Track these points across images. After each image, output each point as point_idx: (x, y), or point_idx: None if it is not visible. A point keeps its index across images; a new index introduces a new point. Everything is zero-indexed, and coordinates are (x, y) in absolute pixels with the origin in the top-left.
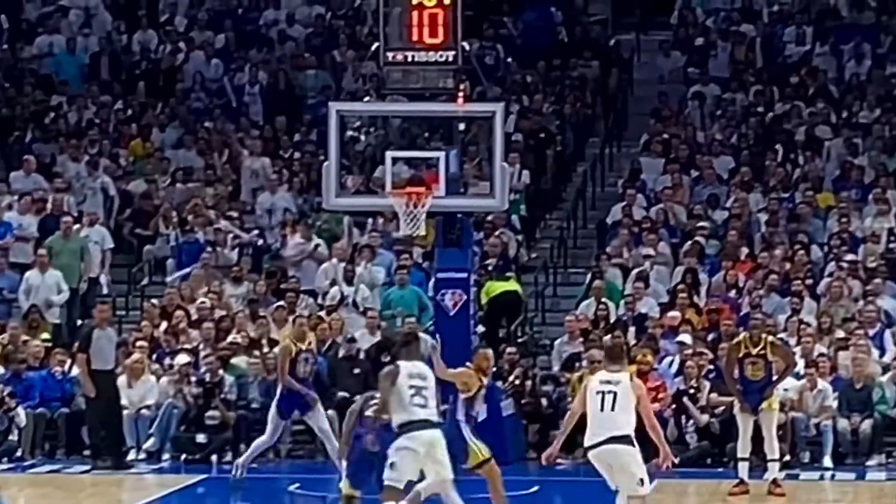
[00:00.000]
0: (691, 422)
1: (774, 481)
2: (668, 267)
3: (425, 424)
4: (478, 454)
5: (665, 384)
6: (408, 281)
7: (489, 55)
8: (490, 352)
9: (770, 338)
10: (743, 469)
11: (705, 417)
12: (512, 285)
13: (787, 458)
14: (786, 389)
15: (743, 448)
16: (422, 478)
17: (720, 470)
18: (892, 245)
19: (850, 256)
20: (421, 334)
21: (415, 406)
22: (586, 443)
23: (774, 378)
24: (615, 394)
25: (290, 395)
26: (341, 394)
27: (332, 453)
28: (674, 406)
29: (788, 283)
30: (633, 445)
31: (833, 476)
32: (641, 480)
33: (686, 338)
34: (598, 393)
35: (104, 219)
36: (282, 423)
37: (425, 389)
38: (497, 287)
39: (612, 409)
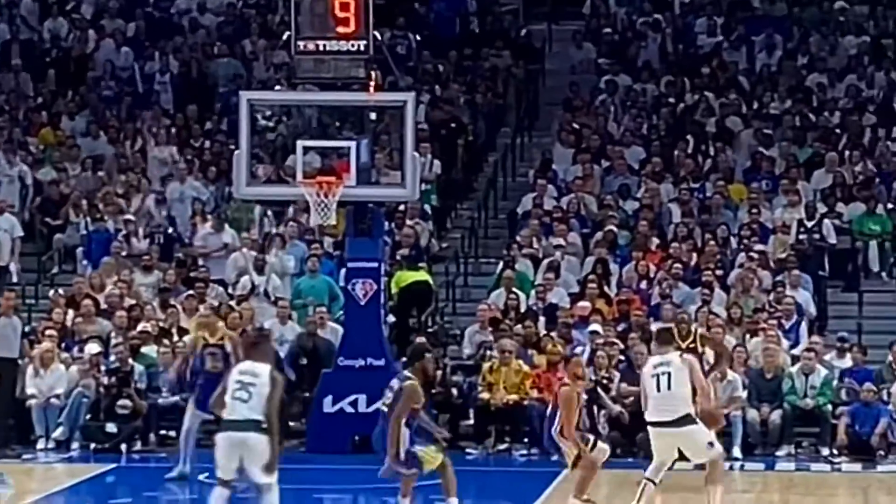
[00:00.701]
0: (603, 412)
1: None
2: (579, 257)
3: (236, 425)
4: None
5: None
6: (319, 270)
7: (401, 44)
8: (582, 359)
9: (701, 330)
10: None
11: (617, 407)
12: (423, 275)
13: None
14: None
15: None
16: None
17: (630, 460)
18: (801, 236)
19: (760, 247)
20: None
21: (235, 400)
22: (649, 419)
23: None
24: (669, 374)
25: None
26: None
27: None
28: (586, 396)
29: (699, 273)
30: (695, 422)
31: (742, 466)
32: (710, 443)
33: (597, 327)
34: (652, 376)
35: (19, 208)
36: (200, 414)
37: (252, 387)
38: (408, 277)
39: (669, 388)
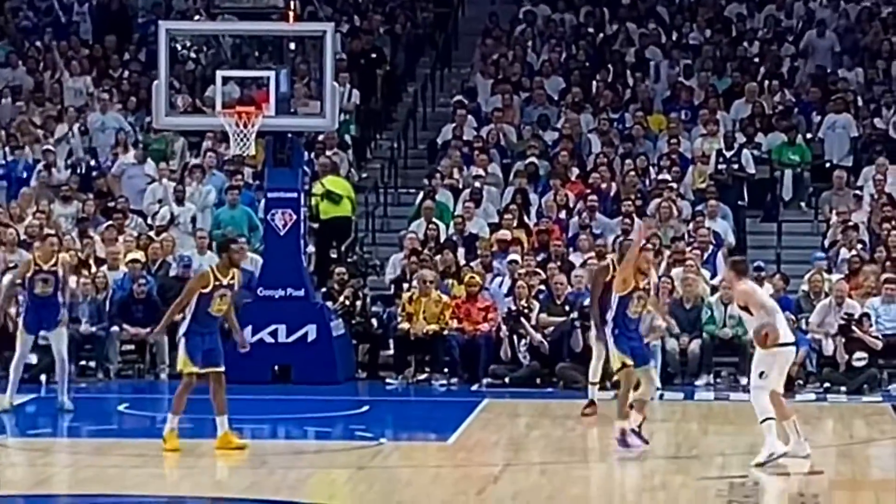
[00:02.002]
0: (524, 341)
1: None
2: (499, 187)
3: None
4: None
5: (496, 304)
6: (238, 201)
7: None
8: (650, 255)
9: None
10: (593, 391)
11: (538, 336)
12: (344, 209)
13: None
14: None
15: (594, 373)
16: None
17: (550, 390)
18: (721, 166)
19: (678, 177)
20: None
21: None
22: (785, 340)
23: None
24: None
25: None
26: None
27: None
28: (506, 325)
29: (618, 203)
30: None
31: (661, 396)
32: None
33: (516, 257)
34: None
35: None
36: (29, 337)
37: None
38: (329, 210)
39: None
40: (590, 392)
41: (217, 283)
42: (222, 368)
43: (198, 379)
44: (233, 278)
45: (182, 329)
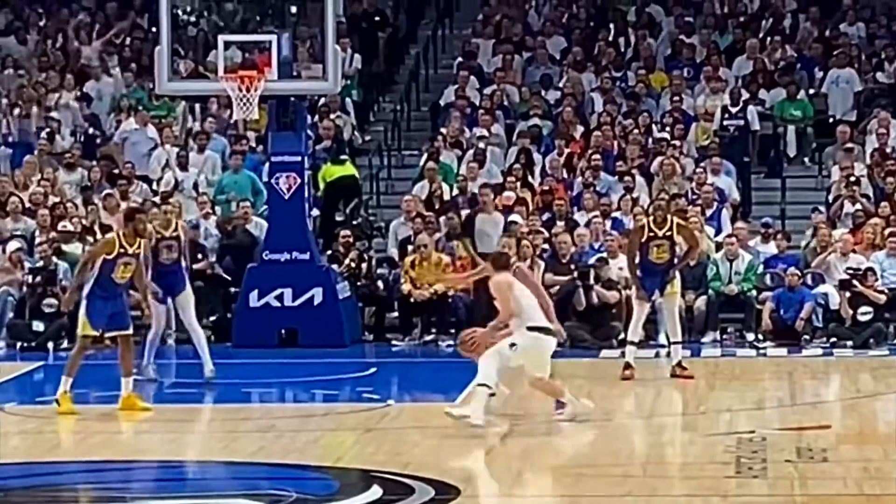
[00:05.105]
0: None
1: (679, 364)
2: (503, 147)
3: None
4: None
5: None
6: (242, 166)
7: None
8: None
9: (676, 219)
10: (631, 353)
11: None
12: (349, 170)
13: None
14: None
15: (634, 332)
16: None
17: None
18: (725, 122)
19: (682, 135)
20: None
21: None
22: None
23: (676, 261)
24: None
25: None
26: None
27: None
28: None
29: (623, 161)
30: None
31: (668, 353)
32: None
33: (517, 217)
34: None
35: None
36: (162, 307)
37: None
38: (334, 171)
39: None
40: (627, 353)
41: (122, 250)
42: (129, 331)
43: (93, 342)
44: (139, 247)
45: (84, 292)
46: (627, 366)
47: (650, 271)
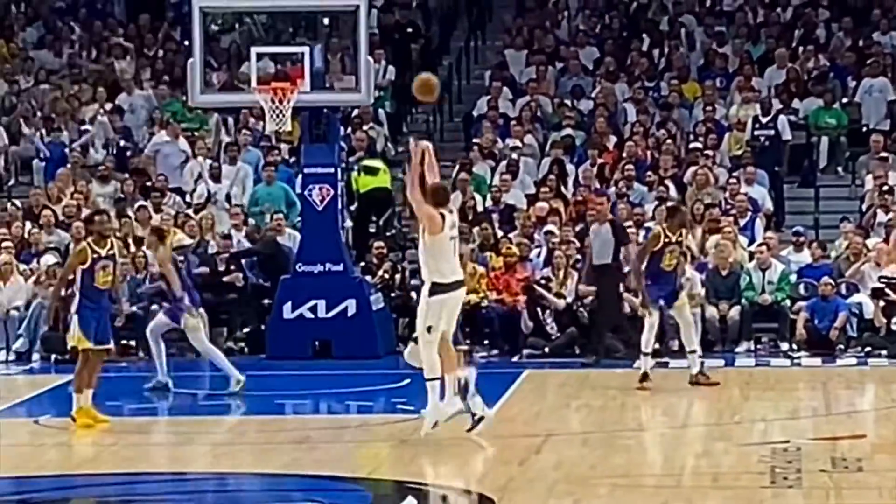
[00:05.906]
0: (548, 311)
1: (701, 372)
2: (536, 158)
3: None
4: None
5: (535, 274)
6: (275, 177)
7: None
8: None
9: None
10: (646, 364)
11: (562, 302)
12: (382, 181)
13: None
14: None
15: (647, 343)
16: None
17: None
18: (757, 133)
19: (715, 144)
20: None
21: None
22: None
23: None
24: None
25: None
26: None
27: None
28: (525, 297)
29: (656, 172)
30: None
31: (702, 364)
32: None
33: (552, 228)
34: None
35: None
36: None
37: None
38: (367, 182)
39: None
40: (643, 363)
41: (95, 255)
42: (111, 346)
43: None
44: (111, 248)
45: (73, 306)
46: (645, 377)
47: (658, 278)
